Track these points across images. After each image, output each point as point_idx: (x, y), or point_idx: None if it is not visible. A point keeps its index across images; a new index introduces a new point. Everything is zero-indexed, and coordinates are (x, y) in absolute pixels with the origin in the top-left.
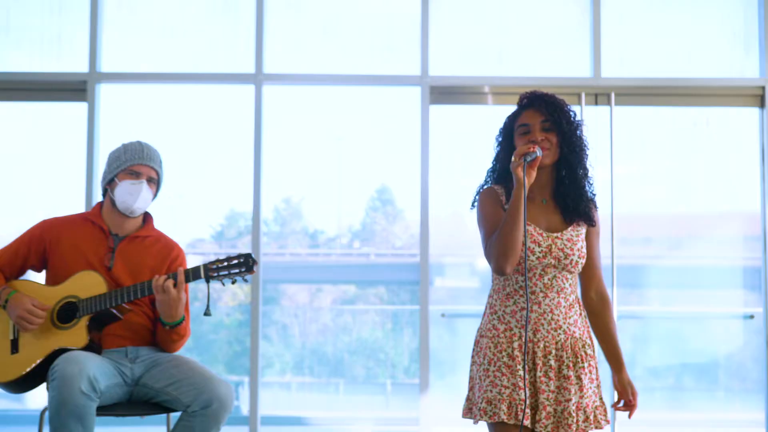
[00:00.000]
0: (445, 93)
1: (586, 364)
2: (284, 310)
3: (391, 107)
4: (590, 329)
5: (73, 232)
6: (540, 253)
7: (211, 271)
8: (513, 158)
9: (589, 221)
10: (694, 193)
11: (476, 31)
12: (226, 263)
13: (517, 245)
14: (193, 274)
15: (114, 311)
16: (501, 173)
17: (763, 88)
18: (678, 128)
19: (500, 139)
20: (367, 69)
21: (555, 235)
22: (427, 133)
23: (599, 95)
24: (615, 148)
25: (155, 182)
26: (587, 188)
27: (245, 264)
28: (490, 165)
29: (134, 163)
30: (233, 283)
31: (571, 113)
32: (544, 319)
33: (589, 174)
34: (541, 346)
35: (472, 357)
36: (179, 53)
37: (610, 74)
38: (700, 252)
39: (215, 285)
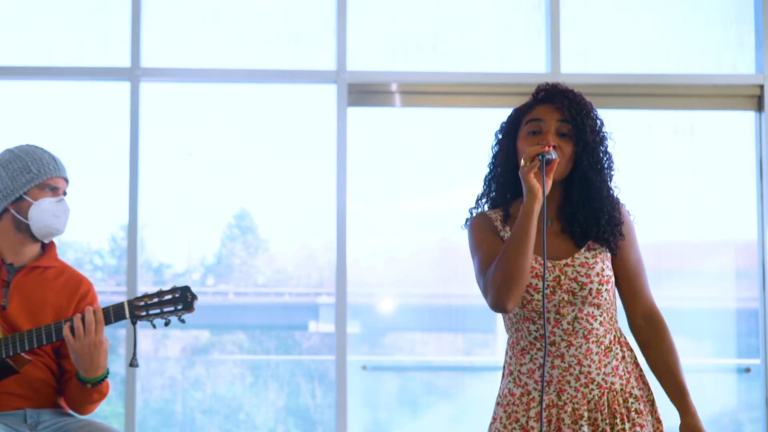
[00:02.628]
0: (366, 92)
1: (628, 426)
2: (122, 360)
3: (299, 108)
4: (640, 374)
5: None
6: (547, 288)
7: (138, 309)
8: (522, 162)
9: (610, 248)
10: (674, 218)
11: (405, 19)
12: (156, 299)
13: (522, 274)
14: (115, 314)
15: (10, 363)
16: (501, 182)
17: (761, 87)
18: (656, 137)
19: (500, 136)
20: (269, 63)
21: (563, 262)
22: (344, 141)
23: None
24: None
25: (65, 195)
26: (608, 210)
27: (182, 300)
28: (487, 171)
29: (50, 176)
30: (166, 324)
31: (598, 121)
32: (570, 374)
33: (615, 195)
34: (569, 410)
35: (488, 429)
36: (42, 45)
37: (571, 70)
38: (681, 291)
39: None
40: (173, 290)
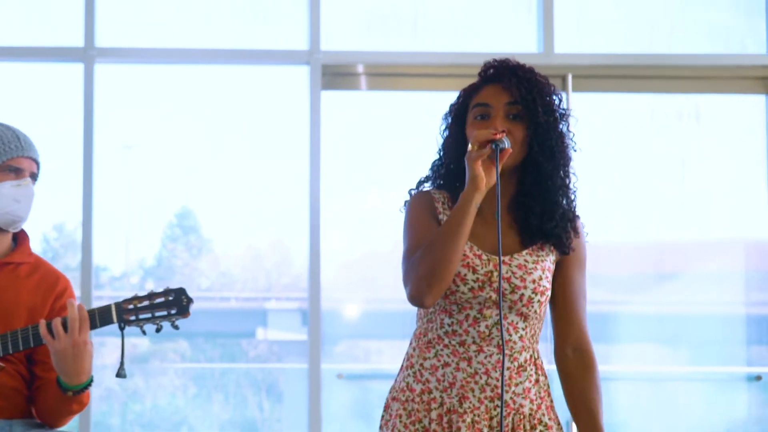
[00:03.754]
0: (341, 74)
1: None
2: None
3: (266, 93)
4: (551, 404)
5: None
6: (475, 282)
7: (127, 313)
8: (470, 147)
9: (562, 247)
10: (677, 213)
11: None
12: (147, 302)
13: (449, 268)
14: (101, 317)
15: None
16: (451, 169)
17: None
18: (658, 123)
19: (449, 120)
20: (234, 42)
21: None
22: (318, 129)
23: (551, 78)
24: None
25: (35, 179)
26: (564, 204)
27: (176, 303)
28: (435, 157)
29: (12, 156)
30: (158, 330)
31: (554, 99)
32: (475, 382)
33: (571, 185)
34: (468, 420)
35: (380, 427)
36: None
37: (565, 50)
38: (685, 295)
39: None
40: (166, 292)
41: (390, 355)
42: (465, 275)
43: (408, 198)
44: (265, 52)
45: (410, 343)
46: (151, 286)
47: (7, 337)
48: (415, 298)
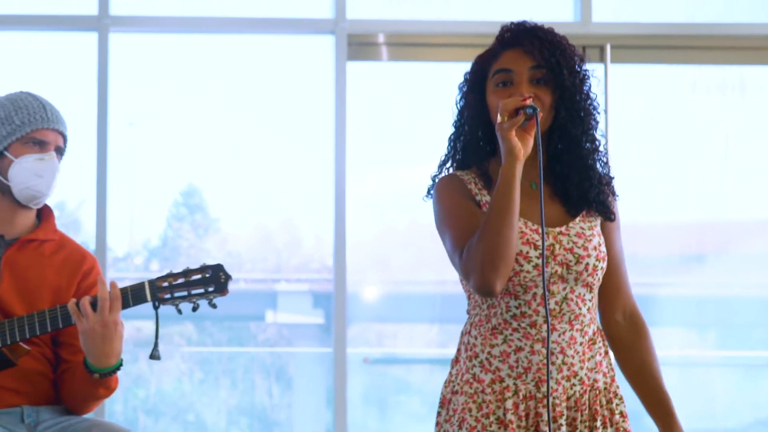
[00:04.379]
0: (368, 44)
1: (610, 430)
2: None
3: (287, 64)
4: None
5: None
6: (538, 258)
7: (162, 291)
8: (500, 117)
9: (606, 213)
10: (719, 191)
11: None
12: (183, 279)
13: (509, 247)
14: (134, 296)
15: (6, 354)
16: (473, 143)
17: None
18: (700, 96)
19: (465, 89)
20: (254, 11)
21: (558, 230)
22: (343, 101)
23: (588, 48)
24: (610, 125)
25: (61, 154)
26: (598, 167)
27: (214, 280)
28: (452, 131)
29: (37, 128)
30: (195, 309)
31: (576, 60)
32: (552, 363)
33: (600, 148)
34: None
35: (439, 425)
36: None
37: (603, 18)
38: (726, 277)
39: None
40: (203, 269)
41: (405, 339)
42: (527, 252)
43: (433, 184)
44: (287, 21)
45: (467, 333)
46: (155, 268)
47: (33, 318)
48: (483, 288)
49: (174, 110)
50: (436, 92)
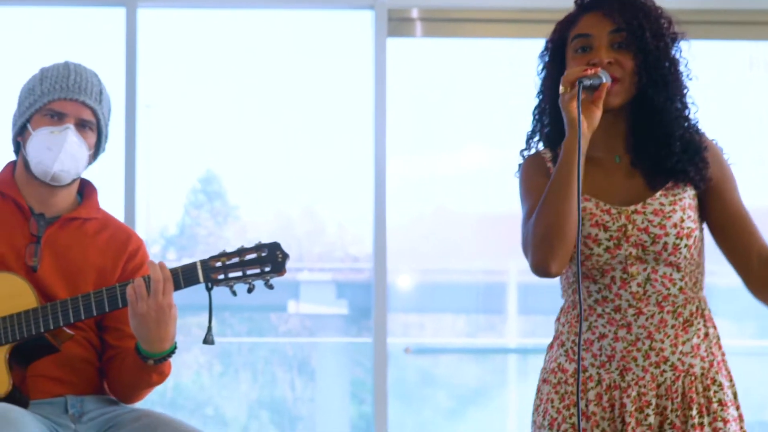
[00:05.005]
0: (409, 20)
1: (707, 419)
2: None
3: (322, 41)
4: (723, 358)
5: None
6: (609, 241)
7: (215, 272)
8: (561, 88)
9: (693, 181)
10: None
11: None
12: (237, 258)
13: (564, 227)
14: (185, 277)
15: (49, 339)
16: (555, 114)
17: None
18: (757, 74)
19: (546, 58)
20: None
21: (632, 208)
22: (383, 80)
23: None
24: None
25: (93, 128)
26: (686, 135)
27: (270, 260)
28: (535, 102)
29: (54, 98)
30: (250, 290)
31: (662, 22)
32: (638, 349)
33: (690, 116)
34: (633, 394)
35: (533, 413)
36: None
37: None
38: None
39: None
40: (258, 247)
41: (432, 330)
42: (596, 235)
43: (521, 161)
44: None
45: (557, 319)
46: (173, 257)
47: (78, 301)
48: (539, 268)
49: (193, 92)
50: (480, 69)
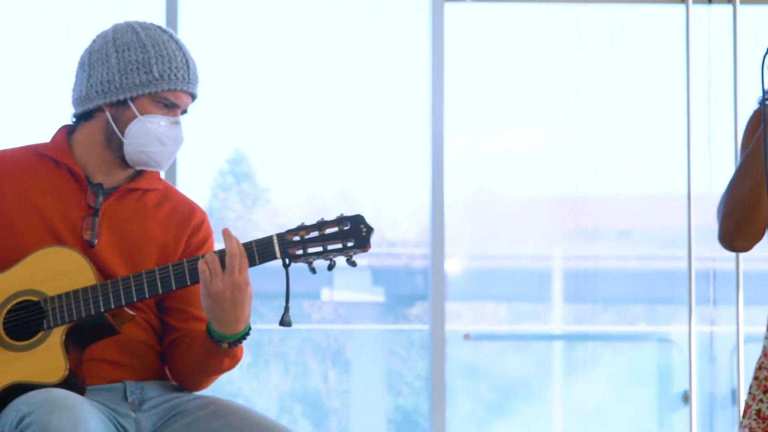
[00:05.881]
0: None
1: None
2: None
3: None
4: None
5: (24, 179)
6: None
7: (293, 246)
8: None
9: None
10: None
11: None
12: (317, 232)
13: (753, 204)
14: (260, 253)
15: (109, 319)
16: None
17: None
18: None
19: None
20: None
21: None
22: (441, 50)
23: None
24: (740, 78)
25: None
26: None
27: (353, 234)
28: None
29: (175, 88)
30: (330, 267)
31: None
32: None
33: None
34: None
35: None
36: None
37: None
38: None
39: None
40: (340, 220)
41: (472, 318)
42: None
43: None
44: None
45: None
46: None
47: (141, 278)
48: (722, 240)
49: (220, 66)
50: (547, 37)
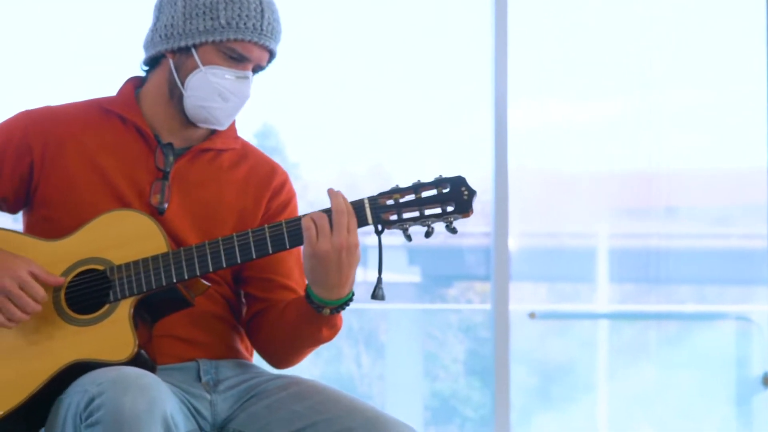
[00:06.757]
0: None
1: None
2: None
3: None
4: None
5: (87, 137)
6: None
7: (387, 211)
8: None
9: None
10: None
11: None
12: (413, 195)
13: None
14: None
15: (181, 291)
16: None
17: None
18: None
19: None
20: None
21: None
22: (504, 13)
23: None
24: None
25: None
26: None
27: (453, 197)
28: None
29: (244, 38)
30: (428, 235)
31: None
32: None
33: None
34: None
35: None
36: None
37: None
38: None
39: (390, 239)
40: (439, 182)
41: (516, 298)
42: None
43: None
44: None
45: None
46: None
47: (218, 245)
48: None
49: None
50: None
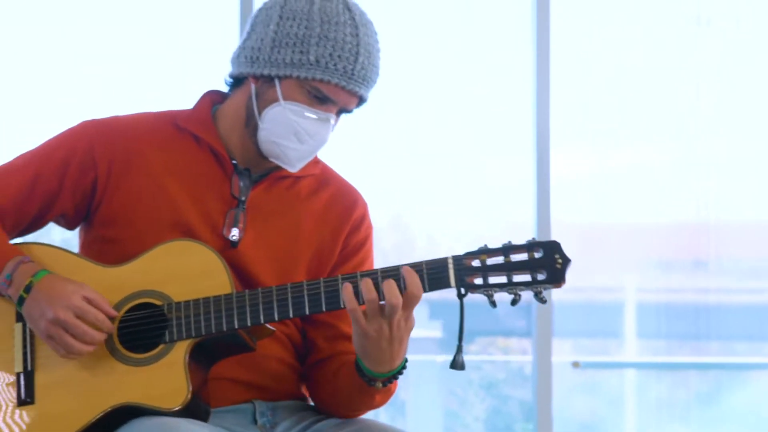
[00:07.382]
0: None
1: None
2: None
3: None
4: None
5: (157, 155)
6: None
7: (472, 274)
8: None
9: None
10: None
11: None
12: (501, 258)
13: None
14: (431, 279)
15: (243, 336)
16: None
17: None
18: None
19: None
20: None
21: None
22: (546, 49)
23: None
24: None
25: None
26: None
27: (546, 264)
28: None
29: (329, 80)
30: (514, 302)
31: None
32: None
33: None
34: None
35: None
36: None
37: None
38: None
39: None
40: (531, 246)
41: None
42: None
43: None
44: None
45: None
46: None
47: (287, 293)
48: None
49: None
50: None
